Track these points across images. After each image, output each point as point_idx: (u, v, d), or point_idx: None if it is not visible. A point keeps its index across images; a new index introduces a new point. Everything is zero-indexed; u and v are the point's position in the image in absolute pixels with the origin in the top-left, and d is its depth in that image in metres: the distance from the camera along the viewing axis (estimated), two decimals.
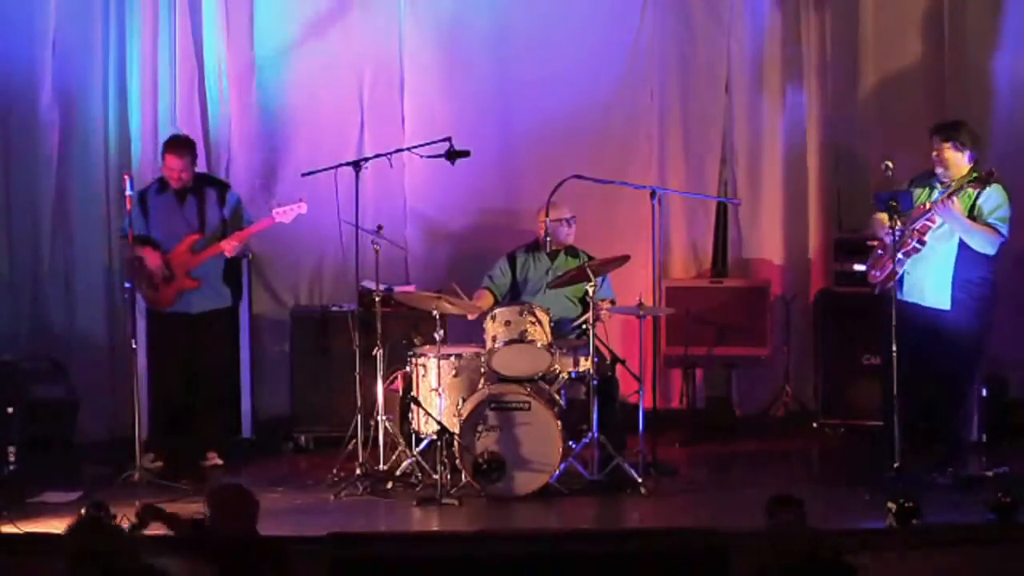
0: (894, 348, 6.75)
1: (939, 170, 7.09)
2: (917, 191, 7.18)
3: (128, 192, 7.42)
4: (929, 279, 6.96)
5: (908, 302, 7.03)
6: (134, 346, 7.42)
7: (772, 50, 9.05)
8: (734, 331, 8.69)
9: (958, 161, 7.06)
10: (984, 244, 7.01)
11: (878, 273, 7.18)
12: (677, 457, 7.97)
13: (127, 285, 7.48)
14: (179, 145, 7.97)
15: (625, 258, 7.71)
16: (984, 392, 8.08)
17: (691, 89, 9.12)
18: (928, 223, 6.94)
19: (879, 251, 7.25)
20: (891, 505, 6.04)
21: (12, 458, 7.63)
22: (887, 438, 7.05)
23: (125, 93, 8.87)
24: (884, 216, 7.13)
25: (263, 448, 8.54)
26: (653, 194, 7.64)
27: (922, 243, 6.90)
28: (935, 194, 7.08)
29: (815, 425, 8.63)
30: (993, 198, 6.98)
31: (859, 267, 7.79)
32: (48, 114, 8.76)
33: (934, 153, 7.10)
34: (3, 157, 8.78)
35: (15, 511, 6.53)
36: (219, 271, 7.98)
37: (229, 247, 7.78)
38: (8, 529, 6.26)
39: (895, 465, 6.73)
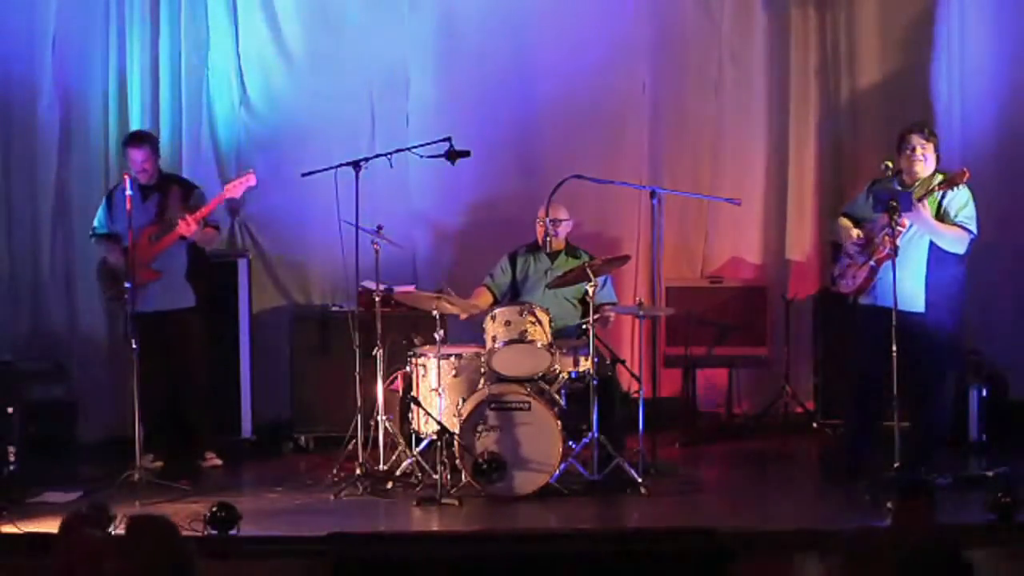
0: (894, 349, 6.74)
1: (916, 167, 7.09)
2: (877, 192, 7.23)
3: (128, 192, 7.40)
4: (902, 283, 6.92)
5: (882, 307, 7.04)
6: (134, 346, 7.42)
7: (770, 48, 9.06)
8: (734, 331, 8.70)
9: (933, 161, 7.11)
10: (955, 244, 7.05)
11: (849, 282, 7.15)
12: (677, 457, 7.98)
13: (127, 285, 7.47)
14: (138, 138, 8.04)
15: (626, 258, 7.72)
16: (984, 392, 8.09)
17: (685, 86, 9.13)
18: (899, 228, 6.92)
19: (846, 260, 7.22)
20: (891, 505, 6.04)
21: (12, 458, 7.62)
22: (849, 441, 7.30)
23: (125, 93, 8.88)
24: (849, 223, 7.19)
25: (263, 448, 8.54)
26: (653, 194, 7.64)
27: (895, 249, 6.87)
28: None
29: (815, 425, 8.64)
30: (958, 198, 7.01)
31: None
32: (48, 114, 8.78)
33: (917, 151, 7.11)
34: (3, 157, 8.80)
35: (15, 511, 6.54)
36: (181, 267, 7.90)
37: (185, 226, 7.68)
38: (8, 529, 6.26)
39: (895, 465, 6.73)
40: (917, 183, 7.10)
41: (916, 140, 7.13)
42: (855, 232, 7.15)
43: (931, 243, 7.02)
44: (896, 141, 7.32)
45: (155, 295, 7.79)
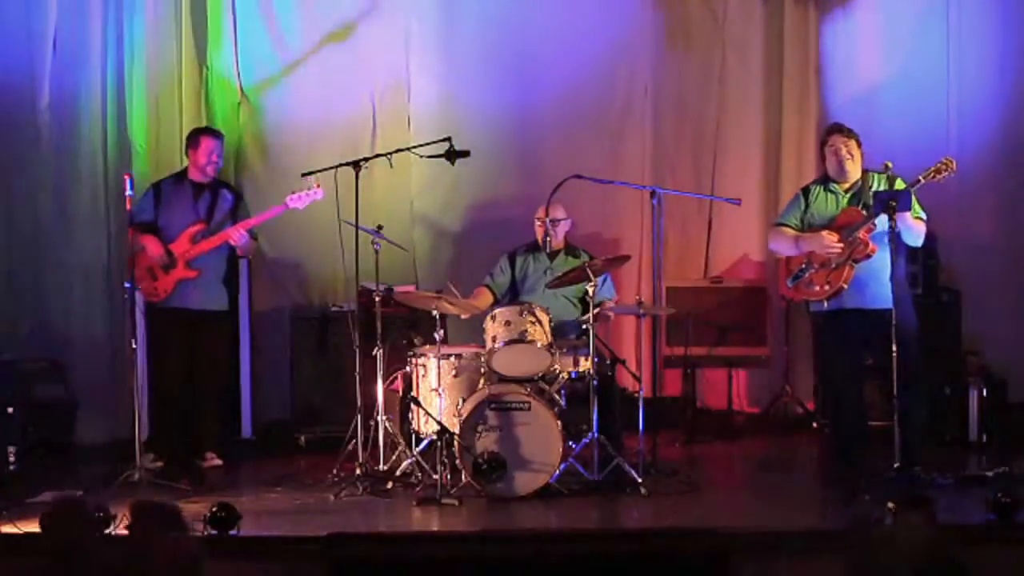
0: (895, 349, 6.73)
1: (846, 167, 7.10)
2: (816, 196, 7.20)
3: (128, 192, 7.42)
4: (870, 282, 6.94)
5: (850, 309, 7.02)
6: (134, 346, 7.43)
7: (769, 48, 9.07)
8: (734, 331, 8.71)
9: (859, 158, 7.11)
10: (920, 238, 7.10)
11: (827, 287, 7.08)
12: (677, 457, 7.98)
13: (127, 285, 7.48)
14: (213, 130, 8.20)
15: (626, 258, 7.72)
16: (984, 392, 8.09)
17: (687, 85, 9.14)
18: (871, 227, 6.92)
19: (808, 268, 7.15)
20: (891, 505, 6.03)
21: (12, 458, 7.62)
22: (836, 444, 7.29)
23: (124, 94, 8.88)
24: (793, 232, 7.15)
25: (263, 448, 8.54)
26: (653, 194, 7.64)
27: (874, 249, 6.85)
28: (843, 199, 7.11)
29: (815, 425, 8.64)
30: (909, 193, 7.01)
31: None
32: (48, 114, 8.78)
33: (842, 150, 7.09)
34: (3, 157, 8.79)
35: (15, 511, 6.52)
36: (219, 270, 8.01)
37: (235, 234, 7.82)
38: (8, 529, 6.26)
39: (895, 465, 6.72)
40: (859, 180, 7.11)
41: (838, 140, 7.15)
42: (826, 233, 7.08)
43: (893, 241, 6.98)
44: (819, 145, 7.35)
45: (189, 293, 7.89)
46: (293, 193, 7.86)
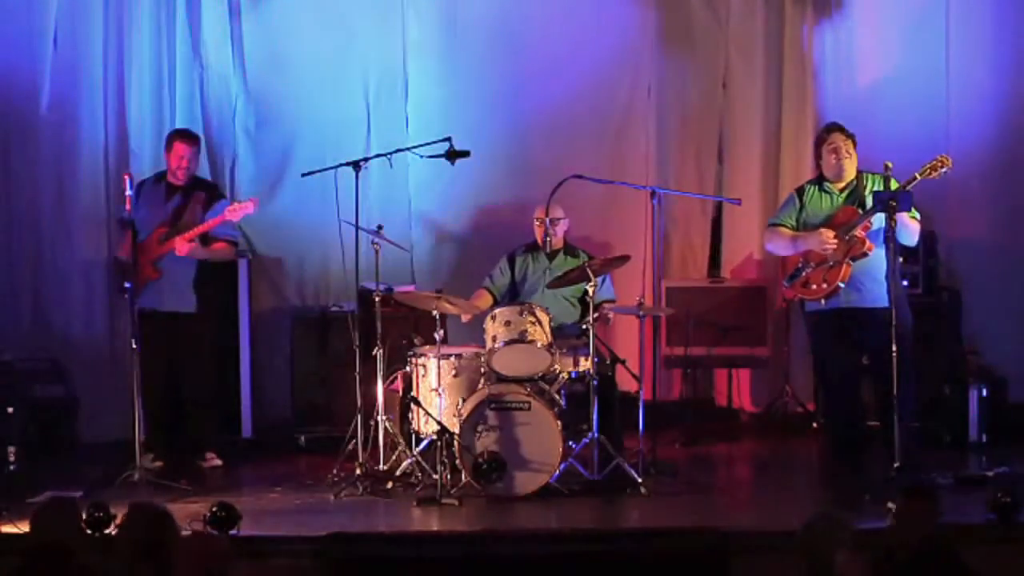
0: (894, 349, 6.73)
1: (844, 165, 7.11)
2: (811, 196, 7.20)
3: (128, 192, 7.41)
4: (867, 281, 6.95)
5: (847, 308, 7.02)
6: (134, 346, 7.42)
7: (771, 47, 9.07)
8: (734, 331, 8.70)
9: (855, 159, 7.13)
10: (914, 237, 7.11)
11: (824, 285, 7.07)
12: (677, 457, 7.98)
13: (127, 285, 7.48)
14: (187, 134, 8.12)
15: (625, 258, 7.71)
16: (984, 393, 8.09)
17: (689, 86, 9.14)
18: (868, 224, 6.93)
19: (804, 267, 7.14)
20: (891, 505, 6.02)
21: (12, 458, 7.62)
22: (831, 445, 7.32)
23: (124, 93, 8.88)
24: (789, 232, 7.14)
25: (263, 448, 8.54)
26: (653, 194, 7.64)
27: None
28: (839, 198, 7.12)
29: (815, 425, 8.64)
30: (910, 194, 7.00)
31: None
32: (48, 114, 8.78)
33: (841, 148, 7.11)
34: (3, 157, 8.79)
35: (15, 511, 6.52)
36: (185, 273, 7.92)
37: (178, 244, 7.75)
38: (8, 529, 6.26)
39: (895, 465, 6.72)
40: (854, 180, 7.12)
41: (838, 139, 7.16)
42: (824, 230, 7.08)
43: (884, 240, 6.96)
44: (815, 144, 7.36)
45: (154, 294, 7.84)
46: (231, 205, 7.86)
